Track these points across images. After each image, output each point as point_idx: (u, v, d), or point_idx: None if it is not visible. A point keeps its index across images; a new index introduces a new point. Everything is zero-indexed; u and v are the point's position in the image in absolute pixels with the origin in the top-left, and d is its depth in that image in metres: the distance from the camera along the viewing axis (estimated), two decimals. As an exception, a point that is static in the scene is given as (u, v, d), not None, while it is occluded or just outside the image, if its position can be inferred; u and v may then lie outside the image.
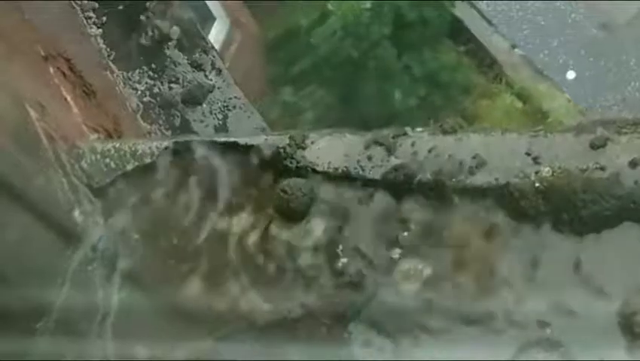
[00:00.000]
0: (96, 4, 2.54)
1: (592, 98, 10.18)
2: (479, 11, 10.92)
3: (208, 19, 9.62)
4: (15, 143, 1.51)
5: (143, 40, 2.58)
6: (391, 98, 9.44)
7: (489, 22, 10.91)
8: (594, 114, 9.37)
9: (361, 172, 1.36)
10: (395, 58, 9.43)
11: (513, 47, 10.76)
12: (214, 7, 9.78)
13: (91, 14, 2.52)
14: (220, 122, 2.53)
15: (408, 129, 1.39)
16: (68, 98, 1.95)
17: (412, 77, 9.62)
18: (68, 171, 1.55)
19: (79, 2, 2.52)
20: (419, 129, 1.39)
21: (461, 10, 10.40)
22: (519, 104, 10.14)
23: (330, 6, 8.98)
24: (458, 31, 10.24)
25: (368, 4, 8.89)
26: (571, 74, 10.46)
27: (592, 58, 10.69)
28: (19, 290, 1.46)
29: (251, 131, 2.49)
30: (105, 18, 2.53)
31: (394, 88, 9.49)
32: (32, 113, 1.58)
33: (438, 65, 9.79)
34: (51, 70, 2.04)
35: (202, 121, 2.51)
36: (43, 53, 2.06)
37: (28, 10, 2.13)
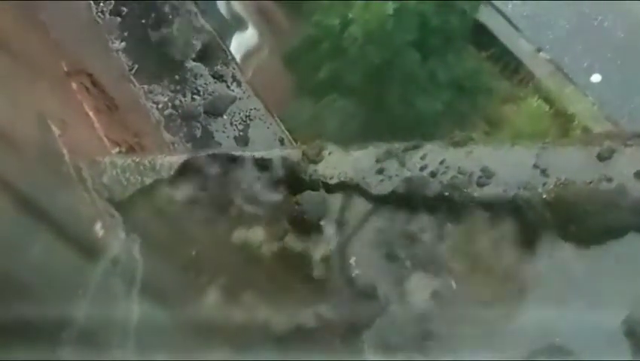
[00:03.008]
0: (119, 19, 2.59)
1: (619, 102, 10.10)
2: (504, 15, 10.87)
3: (233, 26, 9.68)
4: (38, 160, 1.55)
5: (165, 53, 2.62)
6: (416, 104, 9.42)
7: (514, 27, 10.86)
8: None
9: (372, 185, 1.39)
10: (420, 64, 9.40)
11: (539, 50, 10.70)
12: (241, 13, 9.83)
13: (113, 29, 2.57)
14: (241, 132, 2.56)
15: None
16: (91, 114, 2.00)
17: (437, 82, 9.58)
18: (89, 185, 1.60)
19: (102, 17, 2.57)
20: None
21: (485, 15, 10.36)
22: (545, 108, 10.07)
23: (351, 14, 8.98)
24: (481, 36, 10.19)
25: (391, 10, 8.89)
26: (596, 78, 10.38)
27: (619, 61, 10.60)
28: (42, 302, 1.50)
29: (271, 141, 2.52)
30: (127, 32, 2.58)
31: (419, 94, 9.47)
32: (55, 130, 1.63)
33: (463, 71, 9.73)
34: (74, 85, 2.08)
35: (223, 132, 2.55)
36: (66, 69, 2.11)
37: (52, 28, 2.18)
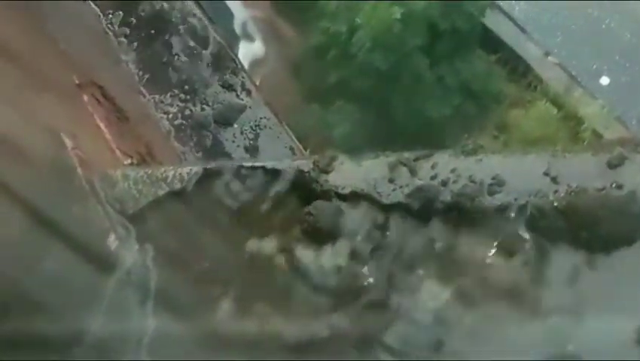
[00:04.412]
0: (128, 30, 2.61)
1: (628, 104, 10.09)
2: (512, 19, 10.88)
3: (241, 35, 9.72)
4: (50, 173, 1.57)
5: (174, 64, 2.64)
6: (424, 109, 9.44)
7: (522, 30, 10.87)
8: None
9: (384, 194, 1.40)
10: (428, 68, 9.42)
11: (547, 54, 10.70)
12: (247, 23, 9.87)
13: (123, 40, 2.59)
14: (252, 141, 2.57)
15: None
16: (102, 126, 2.01)
17: (446, 86, 9.60)
18: (102, 198, 1.61)
19: (112, 28, 2.58)
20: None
21: (493, 19, 10.37)
22: (554, 111, 10.08)
23: (358, 19, 9.00)
24: (489, 40, 10.22)
25: (398, 15, 8.90)
26: (605, 80, 10.38)
27: (627, 63, 10.60)
28: (56, 315, 1.51)
29: (281, 150, 2.53)
30: (136, 43, 2.60)
31: (428, 98, 9.49)
32: (67, 143, 1.64)
33: (471, 75, 9.76)
34: (85, 97, 2.10)
35: (233, 141, 2.56)
36: (77, 81, 2.13)
37: (62, 40, 2.19)
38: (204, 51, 2.68)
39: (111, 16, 2.59)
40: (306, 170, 1.47)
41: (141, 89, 2.49)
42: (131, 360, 1.48)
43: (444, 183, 1.36)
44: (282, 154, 2.49)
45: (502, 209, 1.29)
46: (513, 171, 1.32)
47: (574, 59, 10.61)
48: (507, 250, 1.29)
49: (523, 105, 10.10)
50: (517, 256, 1.28)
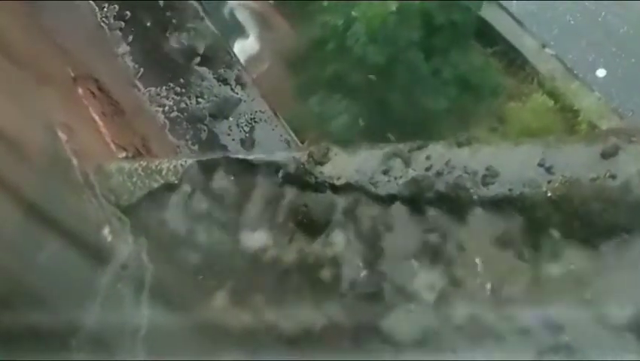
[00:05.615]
0: (123, 23, 2.61)
1: (624, 96, 10.09)
2: (508, 12, 10.88)
3: (237, 30, 9.71)
4: (45, 166, 1.57)
5: (170, 57, 2.64)
6: (421, 102, 9.43)
7: (519, 23, 10.86)
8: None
9: (378, 186, 1.40)
10: (424, 62, 9.41)
11: (543, 46, 10.69)
12: (245, 18, 9.86)
13: (118, 33, 2.58)
14: (247, 134, 2.57)
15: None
16: (97, 119, 2.01)
17: (442, 80, 9.59)
18: (96, 191, 1.61)
19: (107, 22, 2.58)
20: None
21: (490, 12, 10.36)
22: (550, 104, 10.07)
23: (354, 12, 8.99)
24: (485, 33, 10.20)
25: (394, 7, 8.89)
26: (601, 72, 10.38)
27: (623, 55, 10.60)
28: (52, 308, 1.51)
29: (277, 143, 2.53)
30: (131, 36, 2.59)
31: (424, 92, 9.47)
32: (62, 136, 1.64)
33: (468, 68, 9.74)
34: (80, 91, 2.09)
35: (228, 134, 2.56)
36: (73, 75, 2.12)
37: (58, 34, 2.19)
38: (199, 44, 2.67)
39: (105, 9, 2.59)
40: (301, 161, 1.48)
41: (137, 82, 2.49)
42: (130, 360, 1.49)
43: (439, 174, 1.36)
44: (278, 147, 2.50)
45: (496, 200, 1.30)
46: (507, 162, 1.32)
47: (570, 52, 10.61)
48: (501, 240, 1.29)
49: (520, 98, 10.10)
50: (511, 247, 1.28)
